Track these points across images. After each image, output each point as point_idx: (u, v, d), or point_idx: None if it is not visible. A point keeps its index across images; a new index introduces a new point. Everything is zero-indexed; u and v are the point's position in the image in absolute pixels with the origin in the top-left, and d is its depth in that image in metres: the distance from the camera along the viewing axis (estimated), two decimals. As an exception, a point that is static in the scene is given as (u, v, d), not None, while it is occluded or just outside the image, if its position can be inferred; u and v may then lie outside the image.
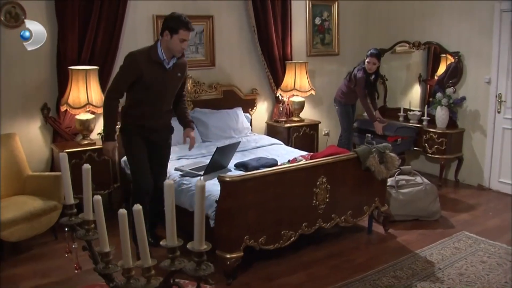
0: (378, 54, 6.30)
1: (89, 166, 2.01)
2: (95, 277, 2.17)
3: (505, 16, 6.02)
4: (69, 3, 5.06)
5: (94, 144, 5.22)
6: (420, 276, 4.09)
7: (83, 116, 5.15)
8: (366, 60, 6.26)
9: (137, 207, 1.63)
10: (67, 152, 4.87)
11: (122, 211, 1.66)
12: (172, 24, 4.12)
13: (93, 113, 5.21)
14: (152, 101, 4.22)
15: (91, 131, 5.29)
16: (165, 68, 4.18)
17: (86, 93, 5.01)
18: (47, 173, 5.11)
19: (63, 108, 5.12)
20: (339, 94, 6.59)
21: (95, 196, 1.83)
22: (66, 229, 2.15)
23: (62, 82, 5.17)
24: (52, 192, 4.65)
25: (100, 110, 5.18)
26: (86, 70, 5.05)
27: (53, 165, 5.33)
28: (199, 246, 1.61)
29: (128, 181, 5.38)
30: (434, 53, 7.06)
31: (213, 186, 4.27)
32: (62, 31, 5.11)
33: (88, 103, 5.03)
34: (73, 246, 2.15)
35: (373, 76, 6.47)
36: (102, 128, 4.44)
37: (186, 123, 4.61)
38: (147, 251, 1.66)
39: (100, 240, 1.85)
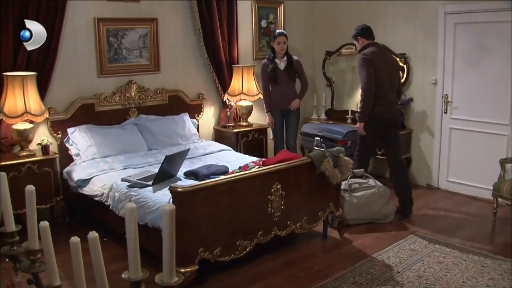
0: (284, 33, 6.21)
1: (33, 188, 1.76)
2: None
3: (449, 19, 6.10)
4: (2, 6, 4.73)
5: (33, 155, 4.89)
6: (379, 281, 4.02)
7: (21, 125, 4.80)
8: (275, 42, 6.11)
9: (93, 234, 1.41)
10: (3, 165, 4.58)
11: (75, 240, 1.43)
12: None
13: (31, 122, 4.88)
14: None
15: (30, 141, 4.94)
16: None
17: (23, 101, 4.68)
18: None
19: (-2, 118, 4.77)
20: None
21: (42, 223, 1.59)
22: (7, 259, 1.86)
23: (-3, 90, 4.81)
24: (-12, 209, 4.30)
25: (40, 119, 4.90)
26: (22, 76, 4.72)
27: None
28: (169, 278, 1.40)
29: (72, 193, 5.11)
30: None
31: (164, 197, 4.09)
32: (-5, 36, 4.78)
33: (26, 112, 4.70)
34: (17, 279, 1.89)
35: (284, 58, 6.20)
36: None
37: None
38: (105, 280, 1.45)
39: (48, 272, 1.59)
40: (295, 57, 6.33)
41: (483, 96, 5.94)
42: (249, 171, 4.25)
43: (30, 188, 1.75)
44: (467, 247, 4.65)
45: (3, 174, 1.85)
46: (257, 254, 4.36)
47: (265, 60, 6.25)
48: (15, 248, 1.85)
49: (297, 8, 7.42)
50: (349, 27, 7.08)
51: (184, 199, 3.65)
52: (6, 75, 4.72)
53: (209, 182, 3.91)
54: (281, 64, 6.20)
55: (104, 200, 4.64)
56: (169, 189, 3.70)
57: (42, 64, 5.08)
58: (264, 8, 7.05)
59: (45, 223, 1.58)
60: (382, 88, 5.26)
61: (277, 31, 6.33)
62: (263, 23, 7.08)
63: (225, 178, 4.01)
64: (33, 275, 1.78)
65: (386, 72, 5.29)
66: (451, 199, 6.14)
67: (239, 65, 6.57)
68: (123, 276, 1.44)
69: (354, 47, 7.09)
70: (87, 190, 4.86)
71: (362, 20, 6.97)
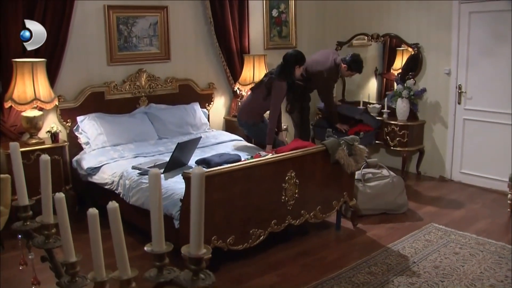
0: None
1: (48, 157, 1.69)
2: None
3: (464, 7, 5.99)
4: (12, -9, 4.67)
5: (43, 143, 4.83)
6: (395, 271, 3.94)
7: (30, 113, 4.74)
8: (301, 68, 5.44)
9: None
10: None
11: (93, 211, 1.36)
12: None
13: (41, 109, 4.82)
14: None
15: (39, 129, 4.88)
16: None
17: (33, 88, 4.63)
18: (-10, 175, 4.68)
19: (7, 105, 4.70)
20: (245, 113, 5.54)
21: (58, 194, 1.50)
22: (20, 235, 1.75)
23: (6, 76, 4.74)
24: (-3, 196, 4.24)
25: (49, 106, 4.83)
26: (32, 62, 4.66)
27: (-4, 167, 4.90)
28: (197, 250, 1.30)
29: (81, 183, 5.04)
30: (390, 46, 6.98)
31: (176, 184, 4.04)
32: (4, 22, 4.69)
33: (36, 99, 4.64)
34: (29, 256, 1.77)
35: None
36: None
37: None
38: (125, 259, 1.36)
39: (64, 248, 1.49)
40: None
41: (498, 86, 5.82)
42: (263, 158, 4.18)
43: (45, 157, 1.66)
44: (483, 238, 4.56)
45: (16, 144, 1.77)
46: (271, 244, 4.29)
47: (283, 81, 5.31)
48: (28, 223, 1.75)
49: (308, -3, 7.33)
50: (361, 17, 7.04)
51: (198, 185, 3.57)
52: (16, 61, 4.66)
53: (223, 168, 3.85)
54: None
55: (114, 188, 4.58)
56: (182, 175, 3.64)
57: (52, 51, 5.02)
58: (275, -2, 6.97)
59: (60, 195, 1.49)
60: None
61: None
62: (274, 13, 6.99)
63: (240, 165, 3.94)
64: (47, 252, 1.68)
65: None
66: (464, 191, 6.04)
67: (250, 54, 6.49)
68: (145, 248, 1.36)
69: (366, 38, 7.04)
70: (97, 178, 4.80)
71: (374, 10, 6.92)
